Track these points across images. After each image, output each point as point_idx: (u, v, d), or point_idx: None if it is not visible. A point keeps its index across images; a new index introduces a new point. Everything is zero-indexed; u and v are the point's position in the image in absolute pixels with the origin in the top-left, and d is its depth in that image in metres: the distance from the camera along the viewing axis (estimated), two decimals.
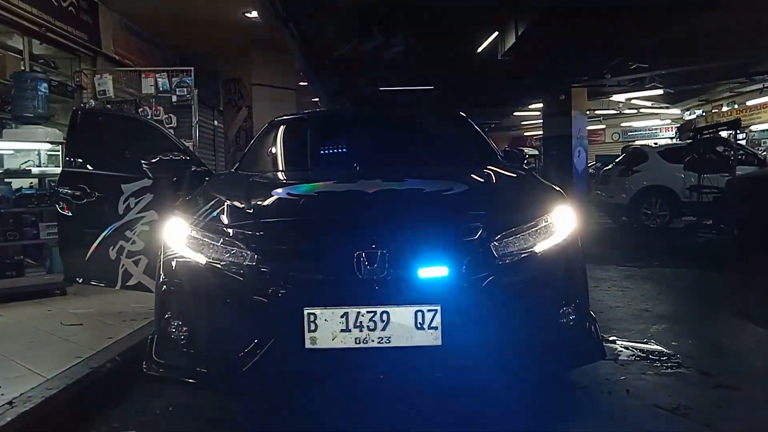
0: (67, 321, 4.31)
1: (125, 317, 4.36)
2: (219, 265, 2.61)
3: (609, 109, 24.93)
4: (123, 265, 4.25)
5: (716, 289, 6.09)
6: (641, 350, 3.79)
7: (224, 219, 2.79)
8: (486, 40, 13.71)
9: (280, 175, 3.94)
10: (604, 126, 30.24)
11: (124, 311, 4.52)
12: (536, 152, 22.46)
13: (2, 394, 2.71)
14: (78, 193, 4.23)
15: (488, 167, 3.55)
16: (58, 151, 6.02)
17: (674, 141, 21.94)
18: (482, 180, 3.32)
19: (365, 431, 2.71)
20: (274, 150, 4.33)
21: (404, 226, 2.63)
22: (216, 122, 13.10)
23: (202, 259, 2.66)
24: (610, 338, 4.00)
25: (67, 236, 4.35)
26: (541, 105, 20.65)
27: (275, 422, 2.86)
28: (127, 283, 4.26)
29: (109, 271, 4.24)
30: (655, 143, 18.07)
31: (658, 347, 3.84)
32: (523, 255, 2.62)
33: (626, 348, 3.84)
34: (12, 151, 6.19)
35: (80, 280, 4.45)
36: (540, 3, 10.56)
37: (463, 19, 11.62)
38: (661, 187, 11.80)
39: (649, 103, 23.42)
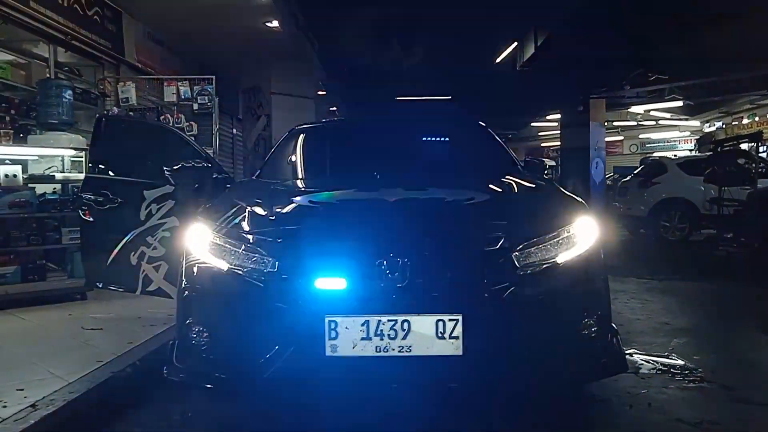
0: (88, 325, 4.36)
1: (145, 322, 4.39)
2: (240, 272, 2.62)
3: (627, 121, 24.77)
4: (143, 270, 4.29)
5: (737, 302, 6.00)
6: (663, 364, 3.75)
7: (246, 226, 2.81)
8: (505, 50, 13.73)
9: (301, 183, 3.95)
10: (622, 137, 30.00)
11: (144, 316, 4.56)
12: (553, 163, 22.36)
13: (26, 397, 2.74)
14: (101, 199, 4.29)
15: (509, 177, 3.55)
16: (82, 157, 6.11)
17: (693, 153, 21.73)
18: (503, 190, 3.31)
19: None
20: (294, 158, 4.36)
21: (426, 235, 2.63)
22: (235, 130, 13.21)
23: (224, 266, 2.67)
24: (631, 351, 3.95)
25: (89, 241, 4.40)
26: (558, 116, 20.56)
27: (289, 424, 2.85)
28: (147, 289, 4.30)
29: (130, 276, 4.28)
30: (674, 155, 17.91)
31: (680, 361, 3.80)
32: (545, 265, 2.60)
33: (647, 361, 3.80)
34: (36, 157, 6.28)
35: (101, 285, 4.50)
36: (560, 14, 10.56)
37: (481, 29, 11.65)
38: (680, 200, 11.68)
39: (668, 115, 23.22)
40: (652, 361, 3.80)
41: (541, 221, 2.78)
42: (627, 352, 3.81)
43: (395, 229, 2.67)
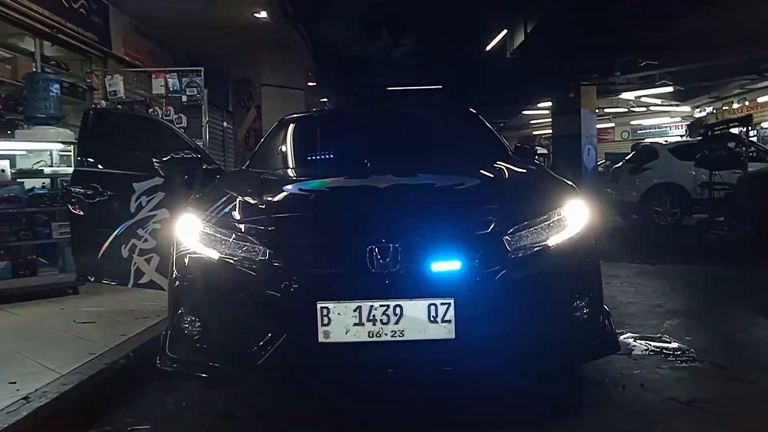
0: (80, 319, 4.33)
1: (137, 315, 4.37)
2: (231, 261, 2.61)
3: (618, 107, 24.81)
4: (135, 263, 4.26)
5: (729, 284, 6.04)
6: (655, 345, 3.77)
7: (236, 215, 2.79)
8: (495, 38, 13.70)
9: (291, 172, 3.94)
10: (613, 124, 30.07)
11: (136, 309, 4.54)
12: (545, 151, 22.37)
13: (18, 390, 2.72)
14: (90, 192, 4.25)
15: (499, 162, 3.55)
16: (70, 151, 6.06)
17: (685, 138, 21.81)
18: (494, 175, 3.31)
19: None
20: (284, 147, 4.34)
21: (416, 219, 2.63)
22: (225, 123, 13.16)
23: (214, 255, 2.66)
24: (623, 333, 3.97)
25: (79, 235, 4.37)
26: (549, 104, 20.62)
27: (284, 414, 2.86)
28: (140, 281, 4.27)
29: (122, 269, 4.26)
30: (666, 141, 17.97)
31: (672, 342, 3.82)
32: (535, 248, 2.61)
33: (640, 343, 3.82)
34: (24, 152, 6.23)
35: (92, 279, 4.47)
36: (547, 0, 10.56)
37: (471, 17, 11.61)
38: (671, 185, 11.74)
39: (659, 101, 23.26)
40: (645, 342, 3.82)
41: (531, 204, 2.79)
42: (619, 333, 3.85)
43: (385, 215, 2.67)
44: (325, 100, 17.79)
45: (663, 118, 27.75)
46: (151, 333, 3.77)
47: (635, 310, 4.75)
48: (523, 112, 26.82)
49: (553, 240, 2.66)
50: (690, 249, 8.66)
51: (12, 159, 5.90)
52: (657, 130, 29.01)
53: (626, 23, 11.24)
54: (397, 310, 2.42)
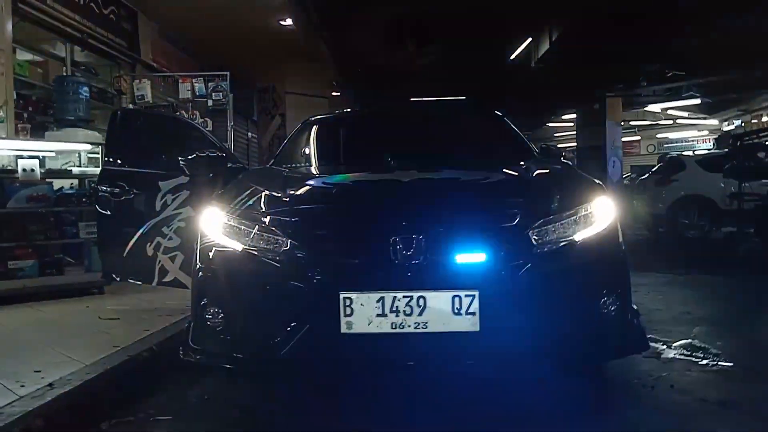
0: (105, 316, 4.37)
1: (161, 313, 4.39)
2: (255, 252, 2.61)
3: (644, 120, 24.55)
4: (160, 261, 4.28)
5: (759, 294, 5.89)
6: (684, 349, 3.67)
7: (260, 207, 2.79)
8: (519, 47, 13.65)
9: (314, 169, 3.94)
10: (639, 138, 29.75)
11: (160, 307, 4.56)
12: (570, 163, 22.19)
13: (42, 378, 2.74)
14: (117, 191, 4.30)
15: (525, 161, 3.51)
16: (98, 153, 6.15)
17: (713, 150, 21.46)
18: (520, 171, 3.27)
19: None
20: (308, 146, 4.34)
21: (441, 211, 2.60)
22: (250, 134, 13.26)
23: (238, 246, 2.66)
24: (652, 338, 3.88)
25: (105, 234, 4.41)
26: (573, 116, 20.46)
27: (306, 408, 2.84)
28: (164, 280, 4.29)
29: (146, 267, 4.28)
30: (693, 153, 17.70)
31: (702, 346, 3.72)
32: (562, 243, 2.56)
33: (669, 347, 3.73)
34: (53, 153, 6.33)
35: (118, 279, 4.52)
36: (576, 8, 10.47)
37: (496, 26, 11.59)
38: (699, 197, 11.52)
39: (685, 114, 22.98)
40: (674, 346, 3.73)
41: (558, 199, 2.74)
42: (648, 338, 3.76)
43: (409, 206, 2.65)
44: (349, 110, 17.86)
45: (690, 131, 27.38)
46: (174, 329, 3.78)
47: (663, 317, 4.65)
48: (548, 125, 26.69)
49: (580, 235, 2.61)
50: (718, 260, 8.48)
51: (41, 160, 6.00)
52: (684, 143, 28.62)
53: (658, 30, 11.07)
54: (421, 302, 2.38)
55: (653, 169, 13.64)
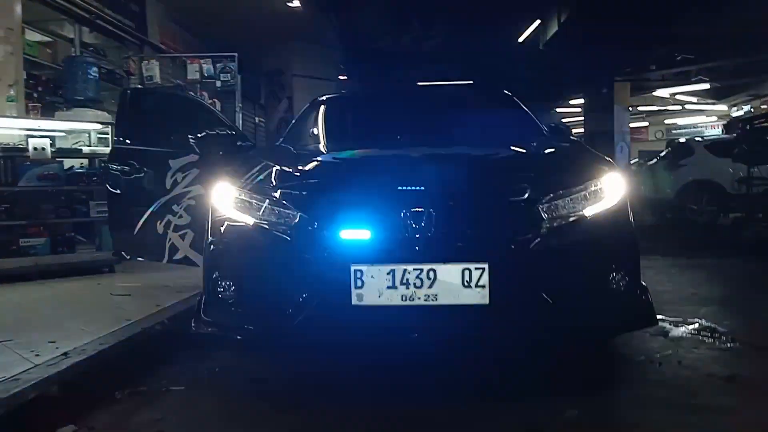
0: (117, 292, 4.41)
1: (172, 290, 4.42)
2: (266, 225, 2.63)
3: (653, 105, 24.37)
4: (170, 239, 4.33)
5: (766, 277, 5.89)
6: (692, 328, 3.69)
7: (271, 181, 2.81)
8: (527, 29, 13.54)
9: (324, 145, 3.95)
10: (647, 123, 29.55)
11: (171, 285, 4.59)
12: (579, 140, 22.08)
13: (57, 348, 2.78)
14: (127, 169, 4.34)
15: (535, 138, 3.51)
16: (108, 132, 6.18)
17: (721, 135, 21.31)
18: (529, 147, 3.28)
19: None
20: (317, 124, 4.34)
21: (452, 185, 2.61)
22: (257, 118, 13.24)
23: (249, 220, 2.68)
24: (660, 317, 3.88)
25: (116, 212, 4.46)
26: (581, 101, 20.34)
27: (315, 380, 2.87)
28: (174, 257, 4.34)
29: (157, 245, 4.32)
30: (702, 138, 17.58)
31: (709, 325, 3.72)
32: (572, 218, 2.57)
33: (676, 325, 3.74)
34: (63, 133, 6.36)
35: (128, 256, 4.57)
36: None
37: (506, 5, 11.48)
38: (708, 182, 11.46)
39: (694, 99, 22.81)
40: (681, 325, 3.75)
41: (568, 174, 2.75)
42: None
43: (420, 179, 2.65)
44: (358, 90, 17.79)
45: (698, 117, 27.18)
46: (185, 304, 3.82)
47: (670, 297, 4.65)
48: (556, 110, 26.54)
49: (590, 210, 2.62)
50: (726, 244, 8.45)
51: (52, 140, 6.03)
52: (692, 129, 28.40)
53: (668, 12, 10.95)
54: (431, 274, 2.40)
55: (661, 154, 13.57)
